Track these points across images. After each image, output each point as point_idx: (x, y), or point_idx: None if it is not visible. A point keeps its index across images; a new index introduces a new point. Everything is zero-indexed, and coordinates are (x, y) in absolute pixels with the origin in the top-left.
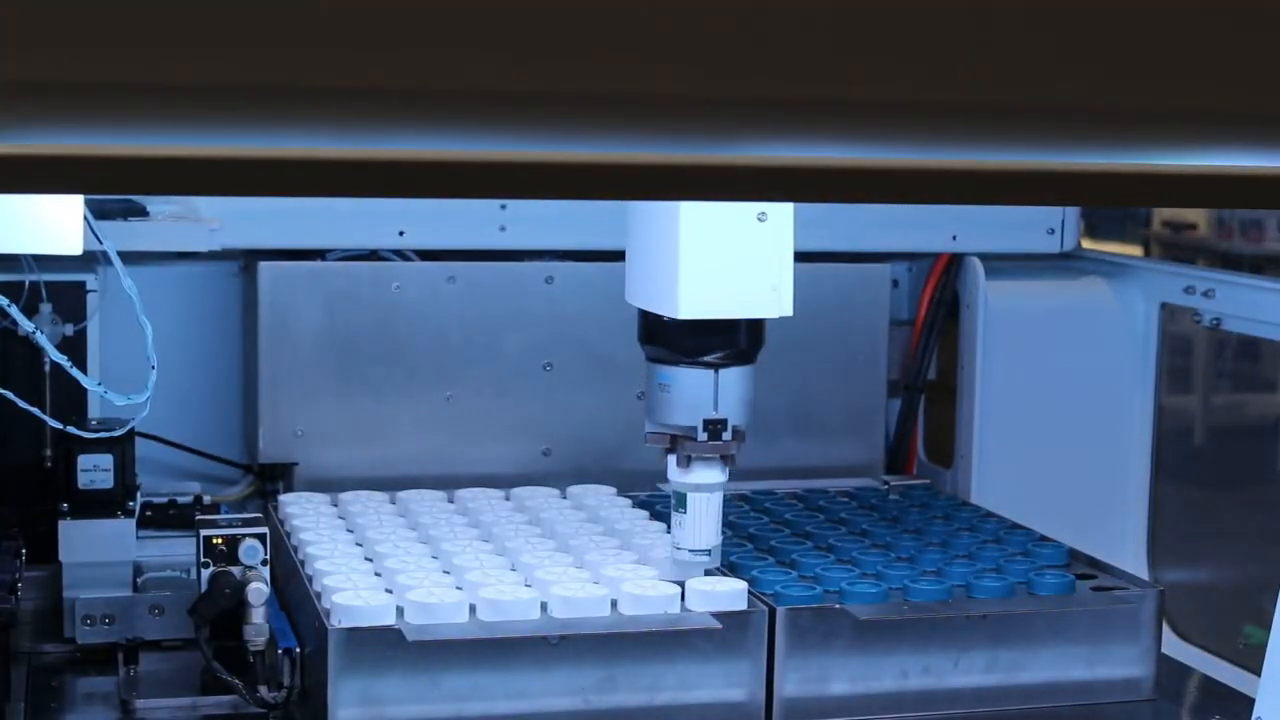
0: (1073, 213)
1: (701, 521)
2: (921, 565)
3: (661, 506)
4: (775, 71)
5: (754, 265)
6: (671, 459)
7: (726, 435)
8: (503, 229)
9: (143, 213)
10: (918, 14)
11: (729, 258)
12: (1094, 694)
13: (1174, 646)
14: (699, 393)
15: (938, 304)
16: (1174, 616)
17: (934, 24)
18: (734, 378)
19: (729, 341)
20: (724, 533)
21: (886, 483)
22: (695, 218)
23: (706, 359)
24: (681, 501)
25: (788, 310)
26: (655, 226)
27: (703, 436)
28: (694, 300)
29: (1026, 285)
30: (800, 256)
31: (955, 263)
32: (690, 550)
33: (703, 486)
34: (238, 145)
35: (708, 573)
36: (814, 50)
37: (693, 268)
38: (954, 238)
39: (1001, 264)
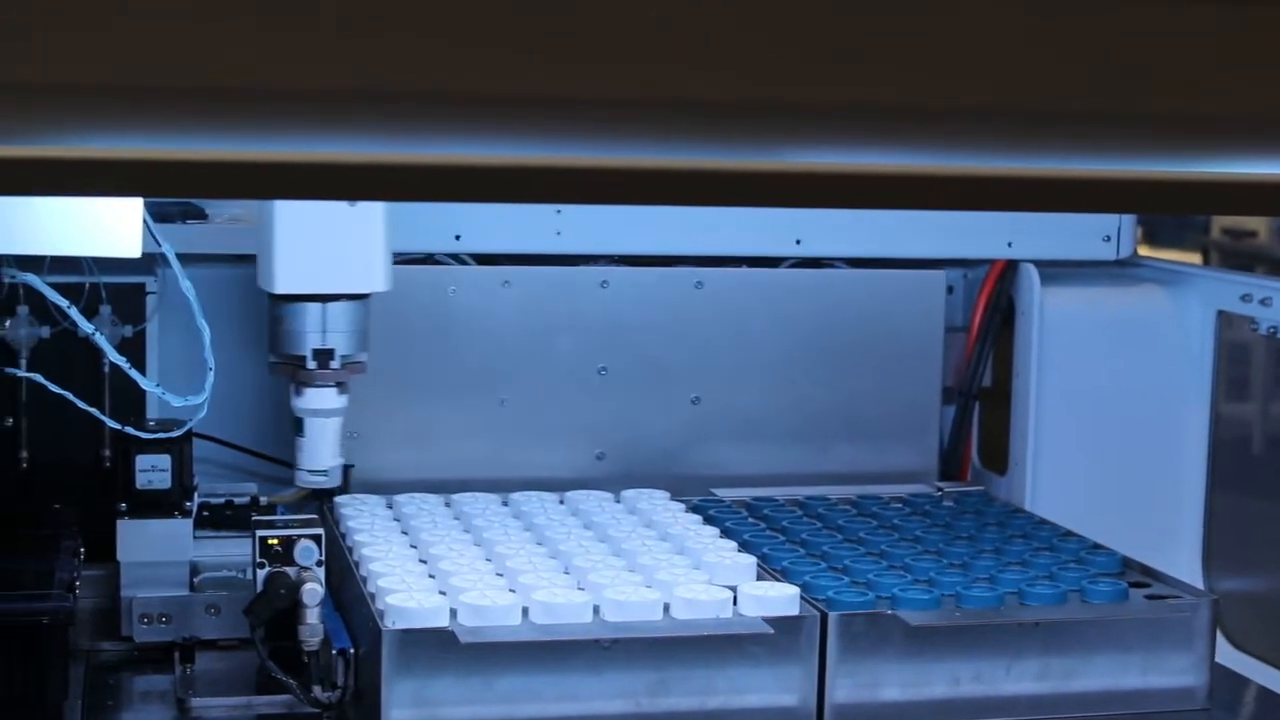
0: (1129, 220)
1: (319, 444)
2: (974, 572)
3: (715, 511)
4: (822, 77)
5: (348, 245)
6: (293, 387)
7: (334, 364)
8: (558, 234)
9: (201, 215)
10: (970, 21)
11: (323, 238)
12: (1147, 703)
13: (1229, 656)
14: (309, 324)
15: (993, 310)
16: (1229, 626)
17: (986, 30)
18: (341, 310)
19: None
20: (775, 537)
21: (940, 489)
22: (289, 203)
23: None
24: (299, 426)
25: (380, 286)
26: (263, 213)
27: (312, 364)
28: (290, 277)
29: (1082, 292)
30: (856, 263)
31: (1011, 269)
32: (309, 471)
33: (318, 411)
34: (295, 150)
35: (759, 578)
36: (860, 56)
37: (287, 247)
38: (1009, 244)
39: (1057, 271)
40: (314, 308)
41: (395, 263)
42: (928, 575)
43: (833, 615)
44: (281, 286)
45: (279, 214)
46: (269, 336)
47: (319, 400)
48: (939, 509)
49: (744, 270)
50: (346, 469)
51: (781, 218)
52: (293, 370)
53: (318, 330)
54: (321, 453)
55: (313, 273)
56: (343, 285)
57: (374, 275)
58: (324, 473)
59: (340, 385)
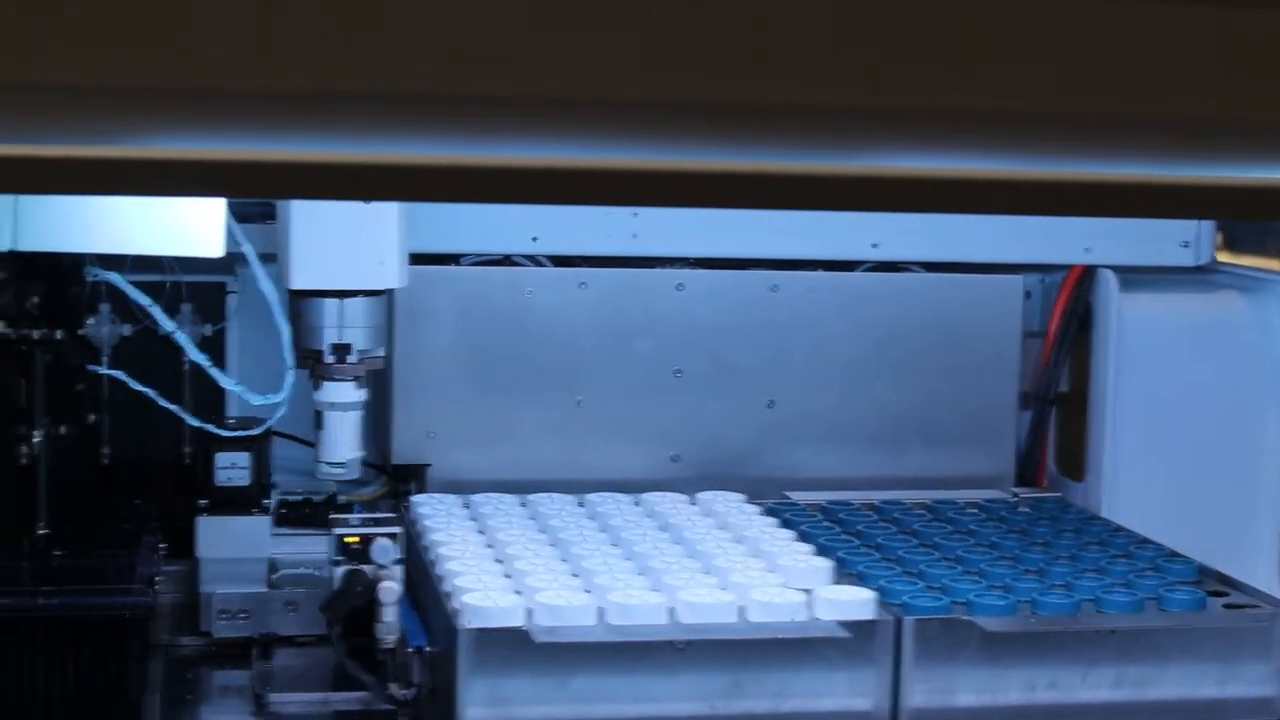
0: (1208, 226)
1: (338, 436)
2: (1050, 578)
3: (790, 515)
4: (901, 81)
5: (363, 242)
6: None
7: (352, 358)
8: (634, 236)
9: None
10: (1042, 26)
11: (338, 236)
12: (1224, 713)
13: None
14: (326, 319)
15: (1070, 316)
16: None
17: (1061, 35)
18: (359, 306)
19: None
20: (850, 541)
21: (1016, 495)
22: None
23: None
24: (319, 419)
25: (394, 283)
26: (282, 210)
27: (330, 359)
28: (306, 272)
29: (1160, 298)
30: (932, 267)
31: (1089, 275)
32: (328, 463)
33: (337, 405)
34: (371, 151)
35: (834, 581)
36: (940, 60)
37: (303, 244)
38: (1087, 250)
39: (1135, 276)
40: (331, 303)
41: (473, 264)
42: (1003, 581)
43: (908, 620)
44: (297, 282)
45: (295, 212)
46: (293, 332)
47: (337, 394)
48: (1015, 515)
49: (820, 274)
50: (423, 468)
51: (858, 221)
52: (312, 364)
53: (335, 325)
54: (341, 445)
55: (328, 269)
56: (357, 281)
57: (388, 272)
58: (343, 465)
59: (359, 379)
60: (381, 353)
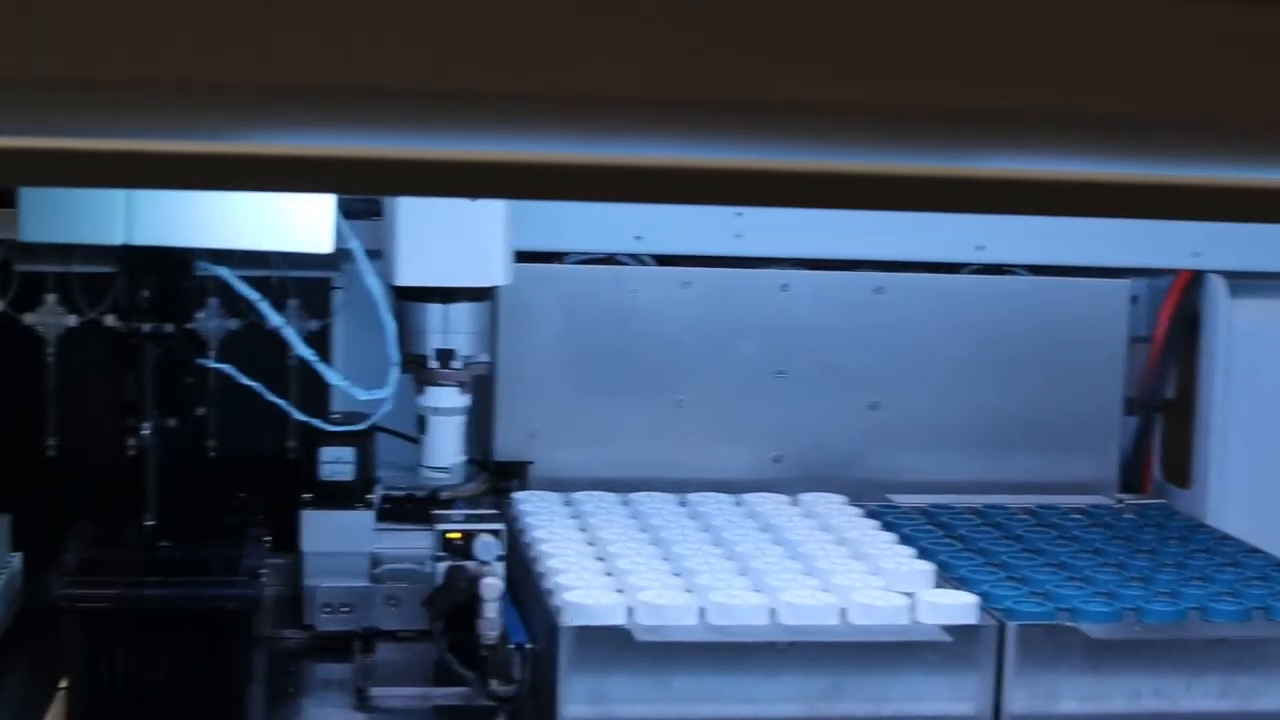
0: None
1: (441, 441)
2: (1156, 586)
3: (892, 517)
4: (1010, 82)
5: (467, 239)
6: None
7: (456, 364)
8: (739, 236)
9: None
10: (1157, 28)
11: (443, 233)
12: None
13: None
14: (431, 324)
15: (1178, 321)
16: None
17: (1178, 36)
18: (464, 311)
19: None
20: (953, 545)
21: (1121, 501)
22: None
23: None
24: (422, 424)
25: (499, 280)
26: (388, 207)
27: (434, 364)
28: (411, 269)
29: (1271, 304)
30: (1038, 270)
31: (1197, 280)
32: (430, 468)
33: (440, 410)
34: (479, 149)
35: (937, 585)
36: (1046, 59)
37: (409, 241)
38: (1196, 254)
39: (1245, 282)
40: (436, 308)
41: (576, 262)
42: (1108, 588)
43: (1011, 625)
44: (402, 279)
45: (402, 208)
46: (399, 335)
47: (441, 399)
48: (1119, 521)
49: (925, 276)
50: (525, 465)
51: (963, 223)
52: (416, 369)
53: (440, 330)
54: (444, 450)
55: (433, 265)
56: (462, 279)
57: (493, 270)
58: (446, 470)
59: (462, 385)
60: (485, 358)
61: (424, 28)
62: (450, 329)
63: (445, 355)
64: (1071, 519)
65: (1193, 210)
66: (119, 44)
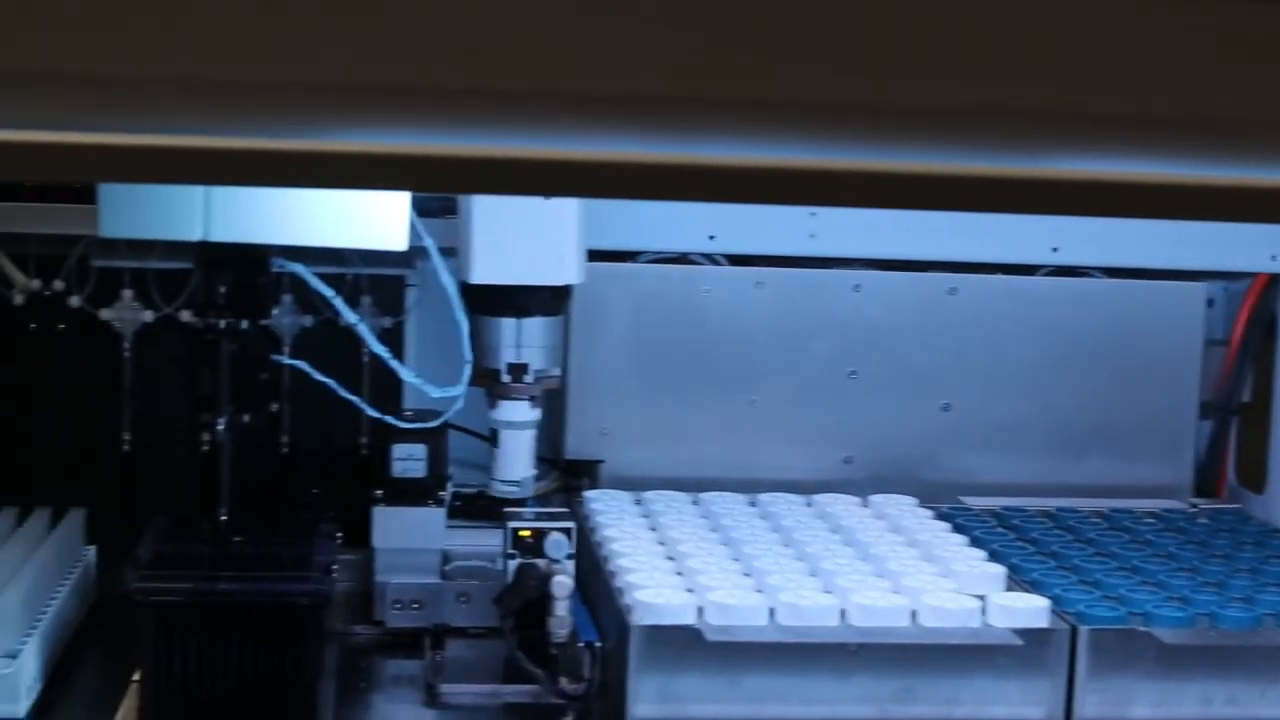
0: None
1: (512, 455)
2: (1230, 591)
3: (963, 520)
4: (1086, 83)
5: (541, 237)
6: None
7: (528, 378)
8: (812, 236)
9: None
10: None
11: (518, 231)
12: None
13: None
14: (504, 338)
15: (1254, 325)
16: None
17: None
18: (536, 326)
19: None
20: (1024, 548)
21: (1195, 505)
22: (486, 196)
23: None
24: (494, 438)
25: (572, 279)
26: (462, 205)
27: (507, 378)
28: (486, 267)
29: None
30: (1113, 272)
31: (1275, 283)
32: (502, 481)
33: (512, 424)
34: (553, 147)
35: (1008, 588)
36: (1129, 61)
37: (484, 239)
38: (1274, 257)
39: None
40: (509, 322)
41: (649, 261)
42: (1181, 593)
43: (1083, 629)
44: (477, 276)
45: (476, 206)
46: (473, 350)
47: (513, 413)
48: (1193, 525)
49: (999, 277)
50: (596, 464)
51: (1038, 225)
52: (488, 383)
53: (513, 345)
54: (515, 464)
55: (507, 264)
56: (536, 277)
57: (567, 269)
58: (517, 483)
59: (534, 399)
60: (557, 372)
61: (502, 25)
62: (523, 343)
63: (518, 370)
64: (1145, 523)
65: (1272, 213)
66: (199, 43)
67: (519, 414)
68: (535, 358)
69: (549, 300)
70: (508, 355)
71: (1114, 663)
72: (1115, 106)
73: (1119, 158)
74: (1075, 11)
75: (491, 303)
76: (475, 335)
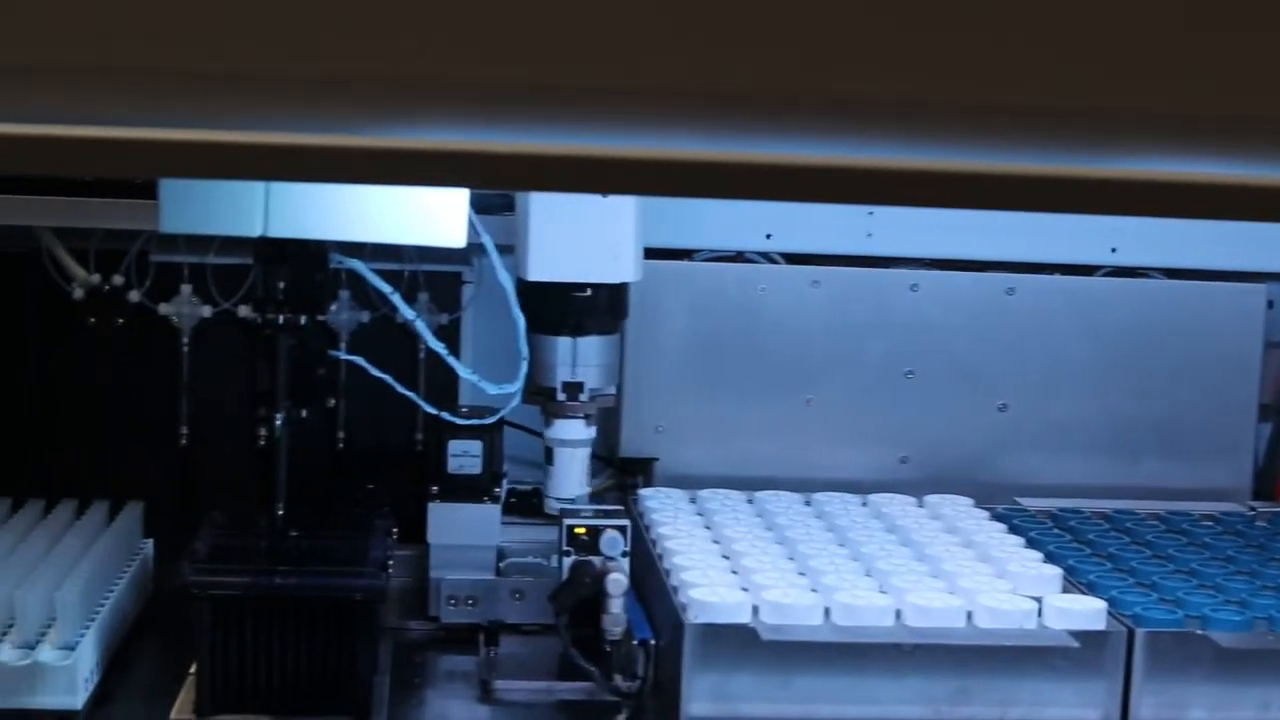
0: None
1: (567, 473)
2: None
3: (1020, 521)
4: (1149, 84)
5: (598, 235)
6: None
7: (584, 397)
8: (869, 235)
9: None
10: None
11: (575, 229)
12: None
13: None
14: (560, 357)
15: None
16: None
17: None
18: (592, 345)
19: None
20: (1081, 549)
21: (1253, 509)
22: (544, 193)
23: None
24: (549, 455)
25: (629, 276)
26: (520, 202)
27: (562, 397)
28: (543, 264)
29: None
30: (1172, 273)
31: None
32: (556, 499)
33: (567, 442)
34: (612, 145)
35: (1064, 590)
36: (1181, 60)
37: (541, 236)
38: None
39: None
40: (565, 341)
41: (706, 259)
42: (1240, 596)
43: (1140, 632)
44: (534, 274)
45: (534, 204)
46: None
47: (568, 431)
48: (1252, 529)
49: (1057, 278)
50: (650, 462)
51: (1097, 225)
52: (543, 401)
53: (568, 364)
54: (569, 482)
55: (564, 261)
56: (593, 275)
57: (623, 266)
58: (571, 501)
59: (588, 418)
60: (612, 390)
61: (564, 22)
62: (579, 362)
63: (573, 388)
64: (1202, 526)
65: None
66: (260, 38)
67: (574, 432)
68: (591, 376)
69: (605, 318)
70: (563, 374)
71: (1171, 666)
72: (1176, 107)
73: (1180, 158)
74: (1142, 16)
75: (548, 320)
76: (531, 353)
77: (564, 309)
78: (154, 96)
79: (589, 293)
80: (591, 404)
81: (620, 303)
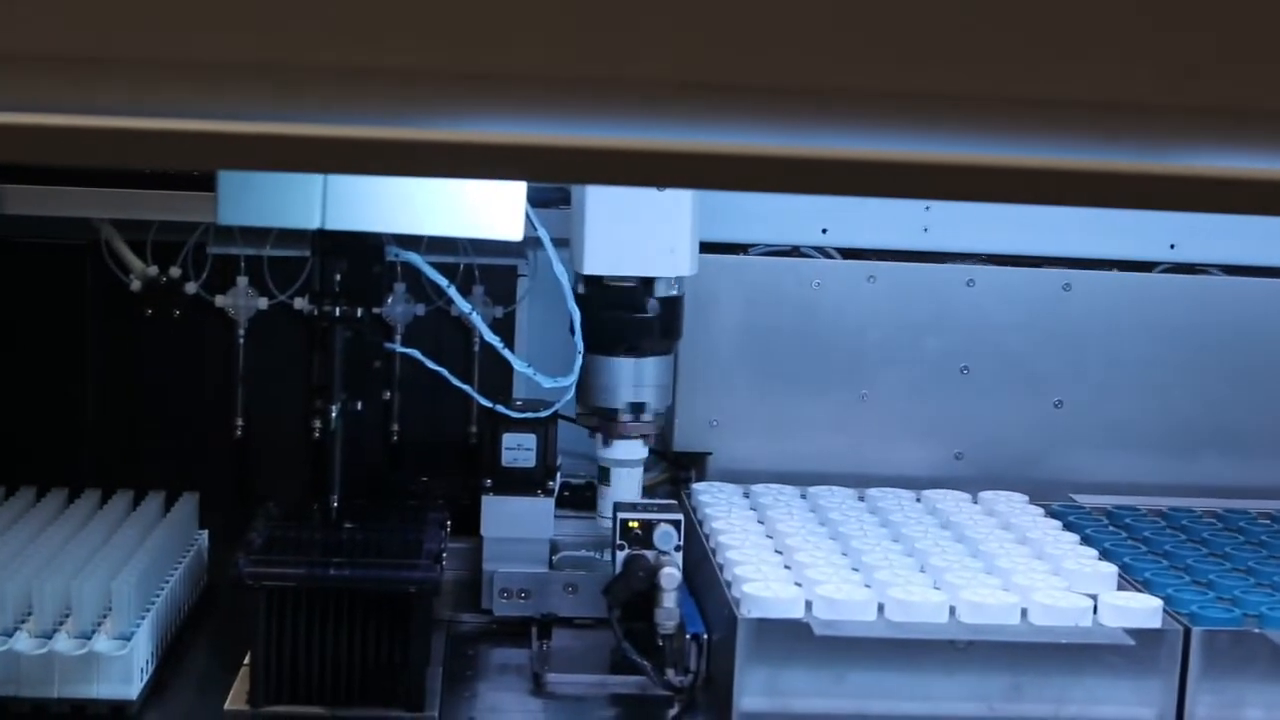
0: None
1: (622, 493)
2: None
3: (1075, 518)
4: (1213, 80)
5: (655, 229)
6: (598, 436)
7: (646, 416)
8: (925, 230)
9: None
10: None
11: (632, 222)
12: None
13: None
14: (623, 378)
15: None
16: None
17: None
18: (652, 365)
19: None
20: (1136, 547)
21: None
22: (600, 187)
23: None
24: (604, 475)
25: (684, 270)
26: (576, 196)
27: (627, 417)
28: (599, 259)
29: None
30: (1231, 270)
31: None
32: (609, 518)
33: (624, 462)
34: (664, 138)
35: (1120, 588)
36: (1249, 56)
37: (598, 230)
38: None
39: None
40: (627, 363)
41: (761, 254)
42: None
43: (1196, 630)
44: (590, 268)
45: (590, 198)
46: (577, 389)
47: (628, 452)
48: None
49: (1114, 274)
50: (704, 456)
51: (1155, 221)
52: (600, 422)
53: (631, 384)
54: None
55: (620, 255)
56: (649, 269)
57: (679, 260)
58: None
59: (646, 438)
60: (664, 409)
61: (623, 16)
62: (641, 383)
63: (637, 408)
64: (1260, 524)
65: None
66: (326, 31)
67: (633, 452)
68: (652, 396)
69: (660, 339)
70: (626, 395)
71: (1227, 665)
72: (1234, 102)
73: (1237, 153)
74: (1197, 14)
75: (605, 341)
76: (589, 375)
77: (621, 330)
78: (217, 89)
79: (649, 313)
80: (652, 424)
81: (676, 322)
